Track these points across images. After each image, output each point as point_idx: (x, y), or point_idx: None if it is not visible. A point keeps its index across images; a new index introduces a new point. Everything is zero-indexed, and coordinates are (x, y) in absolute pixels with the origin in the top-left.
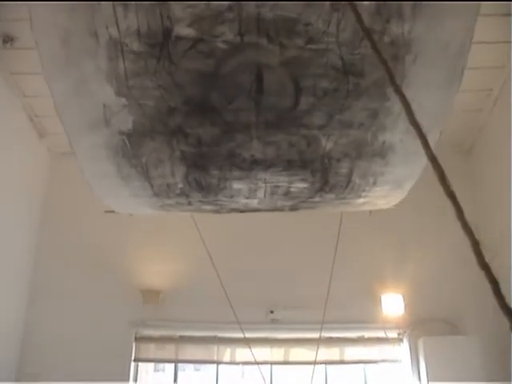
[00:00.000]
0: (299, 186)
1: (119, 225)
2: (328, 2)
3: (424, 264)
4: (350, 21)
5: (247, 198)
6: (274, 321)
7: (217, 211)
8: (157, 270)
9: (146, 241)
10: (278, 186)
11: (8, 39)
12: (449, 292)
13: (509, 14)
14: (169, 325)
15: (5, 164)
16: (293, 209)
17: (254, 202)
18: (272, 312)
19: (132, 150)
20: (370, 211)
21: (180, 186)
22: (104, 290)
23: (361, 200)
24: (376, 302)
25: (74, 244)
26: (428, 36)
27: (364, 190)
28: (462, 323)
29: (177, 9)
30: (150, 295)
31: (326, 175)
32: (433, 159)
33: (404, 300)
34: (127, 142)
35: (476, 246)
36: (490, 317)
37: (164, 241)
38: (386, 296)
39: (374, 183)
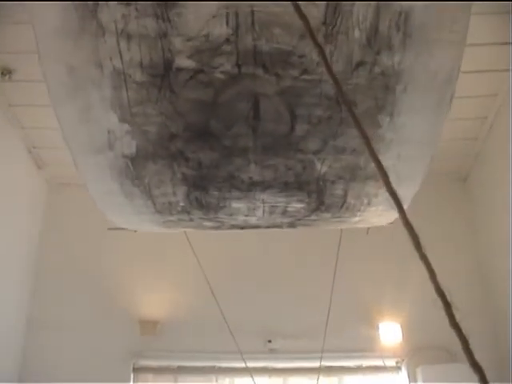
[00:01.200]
0: (296, 206)
1: (117, 255)
2: (321, 36)
3: (423, 292)
4: (342, 53)
5: (246, 215)
6: (272, 350)
7: (217, 228)
8: (154, 299)
9: (143, 271)
10: (275, 206)
11: (7, 72)
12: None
13: (504, 43)
14: (167, 355)
15: (3, 195)
16: (291, 226)
17: (253, 220)
18: (270, 341)
19: (135, 171)
20: (368, 230)
21: (181, 204)
22: (103, 321)
23: (356, 218)
24: (374, 330)
25: (71, 274)
26: (417, 66)
27: (359, 210)
28: (461, 351)
29: (177, 42)
30: (148, 326)
31: (321, 196)
32: (407, 223)
33: (402, 328)
34: (130, 165)
35: (448, 307)
36: (489, 345)
37: (161, 271)
38: (383, 324)
39: (369, 204)
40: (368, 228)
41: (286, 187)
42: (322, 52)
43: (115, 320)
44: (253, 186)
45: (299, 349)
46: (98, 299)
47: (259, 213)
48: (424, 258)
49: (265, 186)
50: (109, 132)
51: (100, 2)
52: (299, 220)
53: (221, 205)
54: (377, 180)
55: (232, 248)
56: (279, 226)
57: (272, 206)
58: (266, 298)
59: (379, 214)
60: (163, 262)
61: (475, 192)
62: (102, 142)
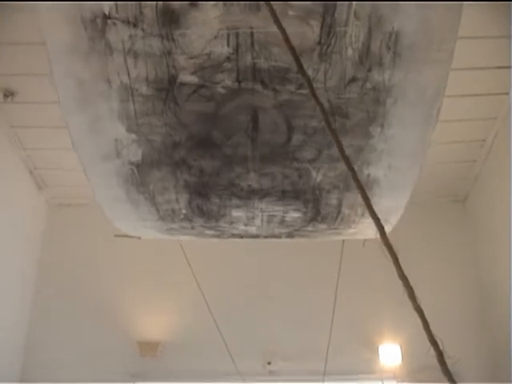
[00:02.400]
0: (293, 215)
1: (117, 276)
2: (316, 55)
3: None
4: (336, 70)
5: (246, 225)
6: (271, 372)
7: (218, 236)
8: (155, 321)
9: (144, 292)
10: (273, 215)
11: (9, 93)
12: (447, 341)
13: (503, 67)
14: (167, 376)
15: (3, 215)
16: (289, 236)
17: (252, 229)
18: (269, 363)
19: (140, 178)
20: (364, 242)
21: (184, 211)
22: (103, 342)
23: (351, 230)
24: (374, 351)
25: (71, 295)
26: (406, 82)
27: (354, 221)
28: (461, 372)
29: (181, 60)
30: (148, 347)
31: (317, 205)
32: (386, 243)
33: (402, 350)
34: (136, 172)
35: (440, 356)
36: (490, 365)
37: (162, 292)
38: (383, 346)
39: (362, 214)
40: (364, 240)
41: (283, 196)
42: (305, 75)
43: (115, 341)
44: (252, 194)
45: (299, 371)
46: (98, 320)
47: (258, 222)
48: (403, 278)
49: (263, 193)
50: (116, 141)
51: (108, 24)
52: (297, 230)
53: (221, 213)
54: (369, 190)
55: (232, 269)
56: (278, 237)
57: (270, 215)
58: (266, 319)
59: (372, 227)
60: (164, 284)
61: (474, 213)
62: (110, 149)
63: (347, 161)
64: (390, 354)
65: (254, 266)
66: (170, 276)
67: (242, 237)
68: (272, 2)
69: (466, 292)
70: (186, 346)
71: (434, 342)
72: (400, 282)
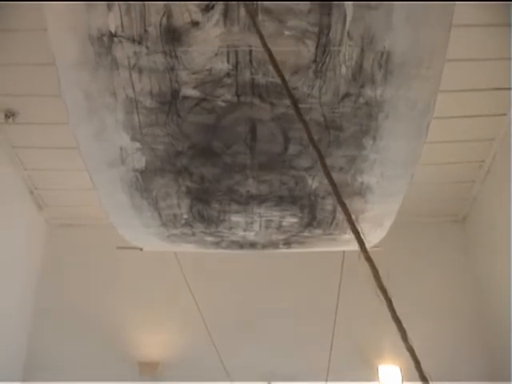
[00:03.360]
0: (290, 220)
1: (116, 296)
2: (312, 72)
3: (422, 334)
4: (330, 86)
5: (245, 230)
6: None
7: (217, 244)
8: (154, 341)
9: (143, 312)
10: (271, 220)
11: (10, 114)
12: (446, 362)
13: (501, 88)
14: None
15: (3, 234)
16: (286, 243)
17: (251, 235)
18: (269, 383)
19: (144, 184)
20: (359, 255)
21: (185, 216)
22: (102, 362)
23: (346, 236)
24: (373, 372)
25: (70, 315)
26: (397, 97)
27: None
28: None
29: (184, 75)
30: (148, 367)
31: (313, 211)
32: (367, 257)
33: (401, 371)
34: (140, 178)
35: (417, 364)
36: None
37: (161, 312)
38: (383, 367)
39: (356, 220)
40: (359, 253)
41: (280, 201)
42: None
43: (115, 361)
44: (250, 199)
45: None
46: (98, 340)
47: (256, 227)
48: (383, 291)
49: (261, 199)
50: (121, 149)
51: (114, 41)
52: (294, 236)
53: (221, 218)
54: (363, 196)
55: (231, 289)
56: (275, 244)
57: (268, 220)
58: (266, 339)
59: (367, 232)
60: (163, 304)
61: (473, 233)
62: (115, 157)
63: (329, 176)
64: (390, 375)
65: (254, 284)
66: (169, 296)
67: (241, 245)
68: (268, 21)
69: (466, 312)
70: (185, 366)
71: (412, 352)
72: (399, 303)
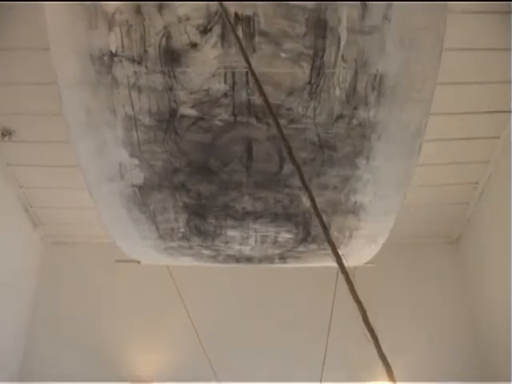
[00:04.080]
0: (285, 236)
1: (111, 314)
2: (307, 93)
3: (416, 351)
4: (325, 107)
5: (240, 244)
6: None
7: (214, 257)
8: (148, 359)
9: (136, 330)
10: (266, 236)
11: (6, 132)
12: (441, 378)
13: (494, 112)
14: None
15: None
16: (281, 258)
17: (246, 249)
18: None
19: (142, 199)
20: (354, 271)
21: (182, 230)
22: (95, 380)
23: (340, 252)
24: None
25: (65, 333)
26: (390, 119)
27: (342, 243)
28: None
29: (182, 95)
30: None
31: (307, 227)
32: (342, 269)
33: None
34: (138, 193)
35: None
36: None
37: (156, 331)
38: None
39: (350, 236)
40: (354, 268)
41: (275, 218)
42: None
43: (108, 379)
44: (246, 216)
45: None
46: (91, 359)
47: (252, 241)
48: (358, 303)
49: (257, 215)
50: (120, 165)
51: (115, 61)
52: (289, 251)
53: (217, 232)
54: (356, 215)
55: (227, 309)
56: (271, 259)
57: (263, 236)
58: (260, 357)
59: (361, 248)
60: (157, 322)
61: (467, 254)
62: (114, 172)
63: (306, 188)
64: None
65: (250, 303)
66: (163, 315)
67: (237, 259)
68: (265, 43)
69: (460, 334)
70: None
71: (389, 372)
72: (392, 322)
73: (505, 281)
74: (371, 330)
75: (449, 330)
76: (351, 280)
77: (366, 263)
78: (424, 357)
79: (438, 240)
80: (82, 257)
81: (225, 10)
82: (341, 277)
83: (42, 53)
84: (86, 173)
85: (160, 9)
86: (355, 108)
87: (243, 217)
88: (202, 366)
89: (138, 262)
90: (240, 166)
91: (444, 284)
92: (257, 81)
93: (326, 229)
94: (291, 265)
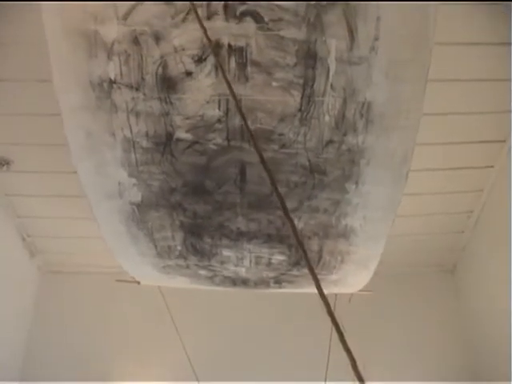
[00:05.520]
0: (278, 258)
1: (107, 344)
2: (297, 120)
3: (412, 369)
4: (315, 133)
5: (236, 265)
6: None
7: (211, 278)
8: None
9: (133, 361)
10: (260, 257)
11: (4, 162)
12: None
13: (488, 141)
14: None
15: None
16: (277, 282)
17: (242, 271)
18: None
19: (140, 216)
20: (350, 298)
21: (179, 248)
22: None
23: (333, 276)
24: None
25: (60, 362)
26: (378, 145)
27: (334, 267)
28: None
29: (178, 120)
30: None
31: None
32: (320, 293)
33: None
34: (136, 211)
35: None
36: None
37: (149, 359)
38: None
39: (342, 261)
40: (351, 295)
41: (269, 239)
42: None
43: None
44: (240, 236)
45: None
46: None
47: (247, 262)
48: (335, 324)
49: (250, 236)
50: (119, 184)
51: (114, 87)
52: (283, 274)
53: (213, 252)
54: (347, 239)
55: (221, 334)
56: (267, 282)
57: (258, 257)
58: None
59: (353, 274)
60: (152, 353)
61: (462, 283)
62: (114, 191)
63: (289, 218)
64: None
65: (245, 327)
66: (158, 346)
67: (234, 281)
68: (257, 73)
69: (456, 361)
70: None
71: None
72: (388, 344)
73: (503, 307)
74: (348, 350)
75: (444, 358)
76: (330, 307)
77: (362, 290)
78: (419, 371)
79: (434, 268)
80: (79, 285)
81: (212, 43)
82: (338, 305)
83: (40, 84)
84: (87, 190)
85: (157, 39)
86: (344, 134)
87: (237, 237)
88: None
89: (138, 283)
90: (234, 187)
91: (440, 312)
92: (240, 109)
93: (305, 253)
94: (287, 290)
